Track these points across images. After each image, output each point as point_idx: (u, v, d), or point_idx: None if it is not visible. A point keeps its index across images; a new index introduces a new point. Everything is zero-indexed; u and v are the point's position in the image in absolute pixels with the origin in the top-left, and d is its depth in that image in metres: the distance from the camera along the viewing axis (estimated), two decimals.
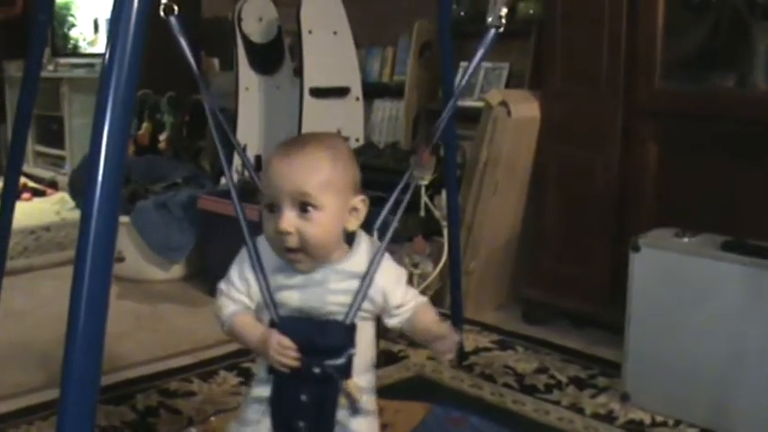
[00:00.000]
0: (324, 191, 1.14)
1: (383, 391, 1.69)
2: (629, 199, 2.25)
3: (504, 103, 2.37)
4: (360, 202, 1.19)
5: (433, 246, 2.46)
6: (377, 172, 2.37)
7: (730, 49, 2.14)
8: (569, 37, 2.29)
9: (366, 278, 1.19)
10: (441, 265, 2.42)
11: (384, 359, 2.22)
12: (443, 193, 2.33)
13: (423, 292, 1.54)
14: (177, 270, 2.87)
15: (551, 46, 2.36)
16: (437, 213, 2.44)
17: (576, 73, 2.31)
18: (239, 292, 1.20)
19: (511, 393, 2.03)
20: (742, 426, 1.74)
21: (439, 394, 2.01)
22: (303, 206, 1.13)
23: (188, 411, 1.93)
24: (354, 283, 1.19)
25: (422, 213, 2.53)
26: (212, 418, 1.87)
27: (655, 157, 2.19)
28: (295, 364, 1.16)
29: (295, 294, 1.19)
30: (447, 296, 2.37)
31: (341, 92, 3.18)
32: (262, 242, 1.20)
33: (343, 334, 1.19)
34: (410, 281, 2.36)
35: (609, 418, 1.89)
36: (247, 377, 2.13)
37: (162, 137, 3.29)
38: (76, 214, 3.80)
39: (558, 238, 2.40)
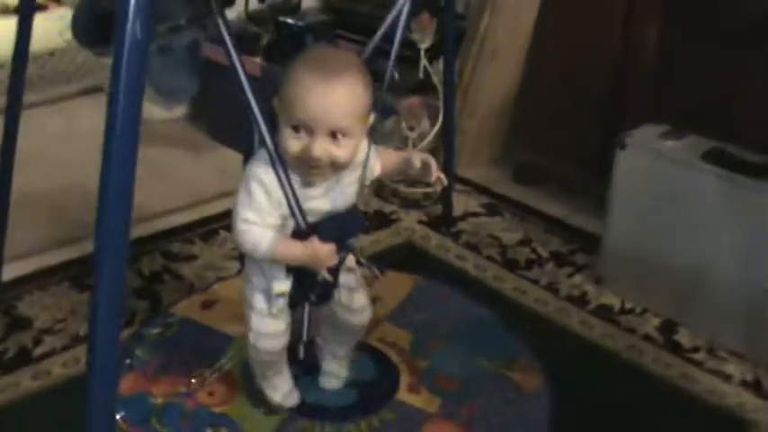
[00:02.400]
0: (356, 121, 1.24)
1: (375, 258, 1.82)
2: (627, 74, 2.27)
3: None
4: (370, 119, 1.29)
5: (431, 109, 2.50)
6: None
7: None
8: None
9: (364, 168, 1.34)
10: (437, 126, 2.48)
11: (377, 222, 2.34)
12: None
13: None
14: (179, 109, 2.93)
15: None
16: (435, 78, 2.47)
17: None
18: (271, 216, 1.27)
19: (493, 268, 2.16)
20: (702, 321, 1.88)
21: (426, 264, 2.14)
22: (335, 134, 1.21)
23: (190, 277, 2.06)
24: (358, 170, 1.33)
25: (420, 75, 2.56)
26: (215, 286, 2.01)
27: (655, 39, 2.19)
28: (336, 261, 1.30)
29: (324, 201, 1.30)
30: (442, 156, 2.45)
31: None
32: (265, 156, 1.27)
33: (357, 216, 1.35)
34: (405, 142, 2.46)
35: (581, 301, 2.02)
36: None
37: None
38: None
39: (554, 106, 2.44)
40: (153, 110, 2.83)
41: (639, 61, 2.22)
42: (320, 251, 1.26)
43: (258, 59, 2.69)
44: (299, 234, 1.28)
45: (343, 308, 1.46)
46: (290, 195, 1.25)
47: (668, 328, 1.93)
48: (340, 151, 1.21)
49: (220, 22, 1.27)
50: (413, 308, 1.92)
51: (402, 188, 2.50)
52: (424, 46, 2.50)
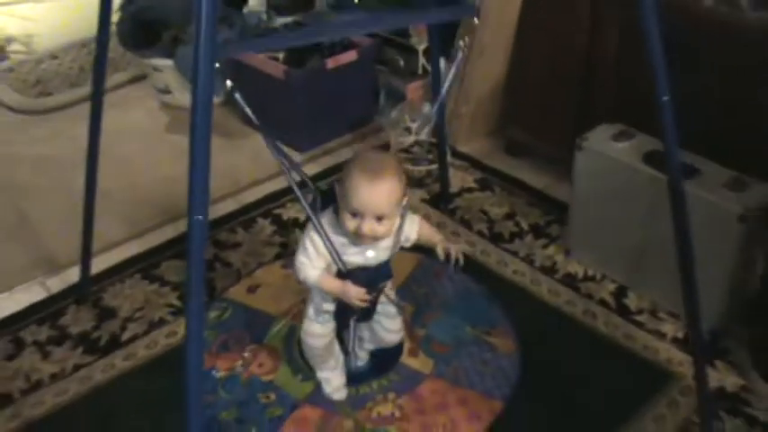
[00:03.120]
0: (393, 208, 1.70)
1: None
2: (596, 67, 2.67)
3: None
4: (404, 201, 1.74)
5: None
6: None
7: None
8: None
9: (398, 235, 1.80)
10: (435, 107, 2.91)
11: None
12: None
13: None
14: (215, 98, 3.40)
15: None
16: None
17: None
18: (318, 262, 1.75)
19: (481, 243, 2.62)
20: (647, 287, 2.34)
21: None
22: (379, 218, 1.69)
23: (237, 264, 2.56)
24: (391, 240, 1.79)
25: (419, 71, 3.00)
26: (257, 271, 2.52)
27: (617, 39, 2.58)
28: (366, 303, 1.79)
29: (357, 257, 1.77)
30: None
31: None
32: (326, 218, 1.76)
33: (387, 268, 1.82)
34: (408, 130, 2.91)
35: (552, 270, 2.50)
36: (279, 224, 2.73)
37: None
38: None
39: (537, 90, 2.85)
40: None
41: (603, 58, 2.61)
42: (350, 291, 1.75)
43: (280, 57, 3.11)
44: (340, 275, 1.76)
45: (382, 328, 1.98)
46: (334, 254, 1.73)
47: (620, 293, 2.40)
48: (382, 229, 1.69)
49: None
50: (415, 283, 2.40)
51: (408, 166, 2.96)
52: (421, 47, 2.93)
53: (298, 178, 1.74)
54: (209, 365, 2.09)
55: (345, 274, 1.76)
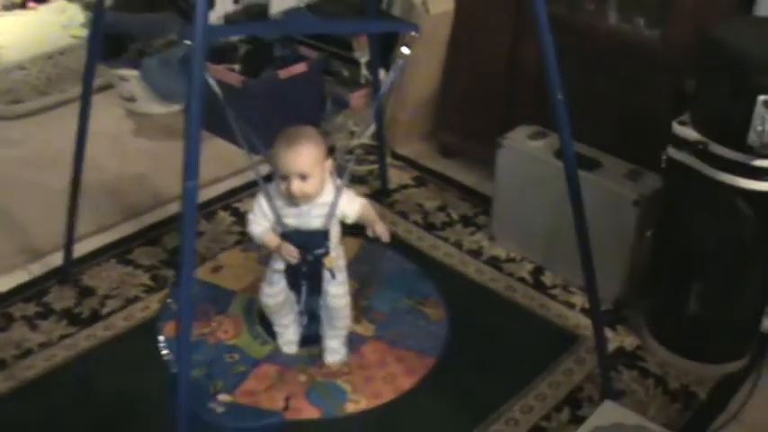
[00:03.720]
0: (314, 167, 2.02)
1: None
2: (516, 77, 3.04)
3: (424, 3, 3.14)
4: (328, 164, 2.08)
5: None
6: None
7: None
8: None
9: (332, 209, 2.10)
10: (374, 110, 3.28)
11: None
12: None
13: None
14: (176, 106, 3.73)
15: None
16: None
17: None
18: (264, 220, 2.09)
19: (416, 230, 2.99)
20: (560, 266, 2.71)
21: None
22: (303, 177, 2.02)
23: (202, 250, 2.88)
24: (325, 209, 2.10)
25: (362, 81, 3.37)
26: (219, 255, 2.84)
27: (534, 53, 2.96)
28: (297, 260, 2.11)
29: (292, 220, 2.09)
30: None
31: None
32: (272, 187, 2.08)
33: (320, 237, 2.12)
34: (351, 133, 3.27)
35: (478, 253, 2.87)
36: (237, 216, 3.07)
37: None
38: (85, 32, 4.50)
39: (466, 99, 3.22)
40: (156, 107, 3.65)
41: (522, 67, 3.00)
42: (283, 248, 2.09)
43: (236, 68, 3.45)
44: (281, 236, 2.10)
45: (326, 293, 2.25)
46: (274, 215, 2.08)
47: (537, 272, 2.78)
48: (308, 187, 2.02)
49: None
50: (359, 262, 2.74)
51: (351, 166, 3.32)
52: (363, 60, 3.30)
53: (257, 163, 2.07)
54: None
55: (284, 234, 2.09)
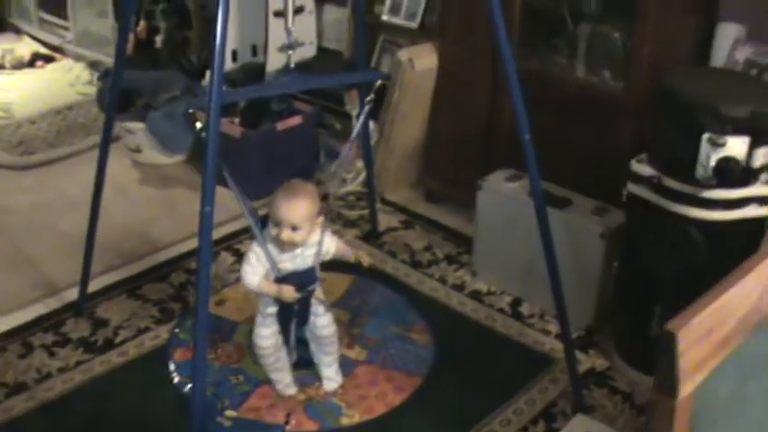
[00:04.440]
0: (305, 221, 2.24)
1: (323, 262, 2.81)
2: (495, 127, 3.32)
3: (410, 60, 3.43)
4: (319, 220, 2.30)
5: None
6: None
7: (564, 41, 3.16)
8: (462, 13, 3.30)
9: (320, 247, 2.34)
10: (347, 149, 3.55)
11: None
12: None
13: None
14: (180, 157, 3.99)
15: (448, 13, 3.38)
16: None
17: (463, 38, 3.31)
18: (261, 268, 2.29)
19: (404, 267, 3.24)
20: (537, 297, 2.95)
21: (360, 267, 3.14)
22: (294, 228, 2.26)
23: None
24: (314, 249, 2.33)
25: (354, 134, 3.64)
26: (222, 290, 3.08)
27: (510, 108, 3.24)
28: (296, 299, 2.32)
29: (289, 264, 2.31)
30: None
31: (298, 10, 4.13)
32: (266, 235, 2.31)
33: (313, 274, 2.35)
34: (344, 181, 3.52)
35: (461, 287, 3.11)
36: (238, 256, 3.30)
37: (158, 38, 4.28)
38: (91, 89, 4.79)
39: (449, 149, 3.51)
40: (160, 158, 3.91)
41: (500, 121, 3.28)
42: (283, 291, 2.30)
43: (236, 121, 3.72)
44: (277, 280, 2.33)
45: (314, 326, 2.47)
46: (270, 262, 2.29)
47: (516, 303, 3.02)
48: (297, 237, 2.25)
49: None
50: (350, 296, 2.98)
51: (343, 211, 3.58)
52: (354, 113, 3.58)
53: (250, 213, 2.31)
54: (187, 358, 2.64)
55: (281, 278, 2.30)
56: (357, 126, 2.57)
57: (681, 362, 0.88)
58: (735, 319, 0.97)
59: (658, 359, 0.91)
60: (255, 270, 2.28)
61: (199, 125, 1.91)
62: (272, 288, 2.30)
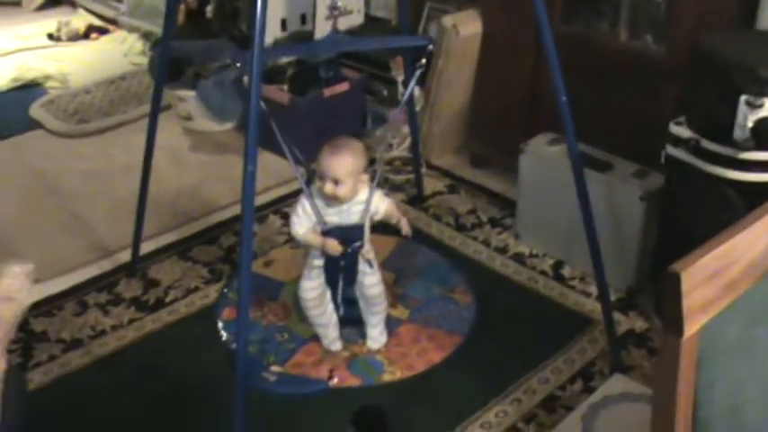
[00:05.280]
0: (347, 176, 2.30)
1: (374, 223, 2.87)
2: (538, 92, 3.35)
3: (454, 26, 3.46)
4: (364, 177, 2.36)
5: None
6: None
7: (607, 5, 3.16)
8: None
9: (367, 205, 2.40)
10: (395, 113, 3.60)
11: None
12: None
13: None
14: (230, 124, 4.08)
15: None
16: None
17: (507, 4, 3.34)
18: (307, 220, 2.37)
19: (448, 230, 3.29)
20: (578, 259, 2.98)
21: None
22: (336, 182, 2.32)
23: (254, 248, 3.20)
24: (362, 206, 2.39)
25: (400, 98, 3.70)
26: (270, 252, 3.17)
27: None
28: (339, 252, 2.38)
29: (335, 218, 2.38)
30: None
31: None
32: (314, 189, 2.38)
33: (359, 231, 2.41)
34: (390, 146, 3.59)
35: (504, 250, 3.16)
36: (286, 219, 3.38)
37: (209, 8, 4.37)
38: (144, 59, 4.91)
39: (493, 114, 3.55)
40: (211, 125, 4.00)
41: (543, 86, 3.30)
42: (328, 243, 2.36)
43: (285, 88, 3.79)
44: (323, 233, 2.41)
45: (362, 285, 2.53)
46: (316, 214, 2.36)
47: (558, 266, 3.06)
48: (339, 191, 2.32)
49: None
50: (395, 257, 3.04)
51: (390, 176, 3.64)
52: (400, 79, 3.63)
53: (296, 167, 2.37)
54: (235, 317, 2.73)
55: (326, 231, 2.36)
56: (407, 91, 2.59)
57: (685, 301, 0.92)
58: (743, 263, 1.00)
59: (665, 298, 0.96)
60: (302, 221, 2.36)
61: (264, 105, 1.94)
62: (317, 239, 2.37)
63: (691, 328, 0.95)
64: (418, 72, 2.44)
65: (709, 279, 0.96)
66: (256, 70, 1.86)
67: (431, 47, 2.46)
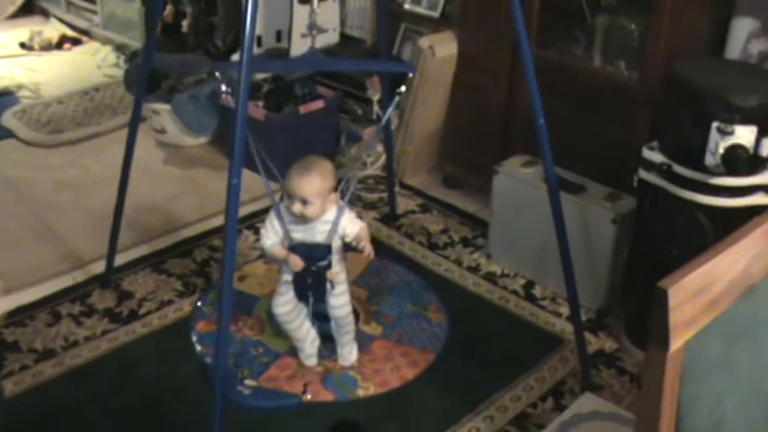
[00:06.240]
0: (315, 196, 2.33)
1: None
2: (512, 115, 3.41)
3: (430, 47, 3.51)
4: (333, 196, 2.39)
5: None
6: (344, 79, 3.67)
7: (582, 31, 3.24)
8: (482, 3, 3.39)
9: (334, 225, 2.42)
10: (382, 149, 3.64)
11: None
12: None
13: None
14: (204, 138, 4.09)
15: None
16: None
17: (483, 27, 3.39)
18: (274, 234, 2.41)
19: (421, 249, 3.33)
20: (549, 280, 3.04)
21: (378, 247, 3.22)
22: (304, 202, 2.36)
23: None
24: (328, 226, 2.41)
25: (374, 117, 3.74)
26: (244, 266, 3.18)
27: (527, 95, 3.33)
28: (300, 268, 2.40)
29: (299, 234, 2.42)
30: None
31: None
32: (282, 206, 2.42)
33: (324, 250, 2.42)
34: (364, 164, 3.62)
35: (476, 269, 3.20)
36: (258, 234, 3.39)
37: (185, 23, 4.38)
38: (117, 71, 4.91)
39: (467, 135, 3.59)
40: (185, 138, 4.01)
41: (518, 108, 3.36)
42: (290, 258, 2.39)
43: (260, 104, 3.81)
44: (289, 248, 2.41)
45: (327, 304, 2.53)
46: (282, 229, 2.39)
47: (529, 285, 3.10)
48: (306, 210, 2.34)
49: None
50: (368, 275, 3.07)
51: (363, 194, 3.67)
52: (375, 98, 3.67)
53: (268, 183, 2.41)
54: (209, 329, 2.74)
55: (291, 246, 2.40)
56: (385, 117, 2.66)
57: (672, 317, 0.96)
58: (724, 282, 1.04)
59: (653, 314, 0.99)
60: (269, 235, 2.40)
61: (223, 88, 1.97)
62: (281, 253, 2.40)
63: (676, 342, 0.99)
64: (397, 98, 2.47)
65: (693, 296, 1.00)
66: (244, 82, 1.88)
67: (411, 75, 2.47)
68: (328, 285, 2.47)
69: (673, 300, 0.97)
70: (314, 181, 2.32)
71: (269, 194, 2.42)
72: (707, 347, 1.05)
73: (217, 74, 2.40)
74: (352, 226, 2.43)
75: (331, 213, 2.39)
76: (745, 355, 1.11)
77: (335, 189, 2.42)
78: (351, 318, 2.58)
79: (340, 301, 2.53)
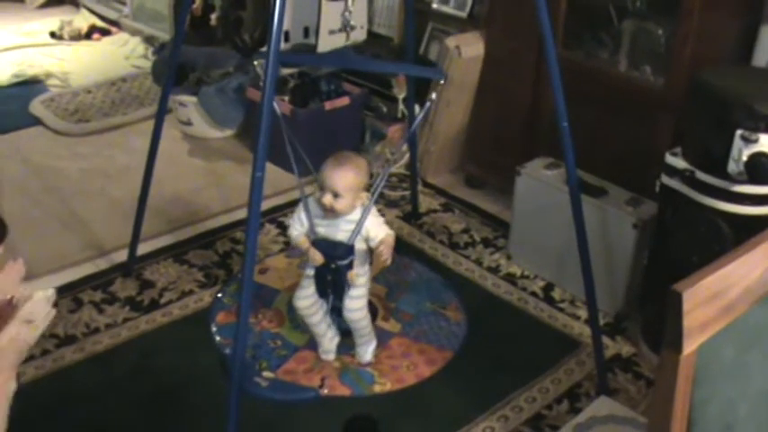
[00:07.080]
0: (347, 191, 2.34)
1: None
2: (536, 116, 3.41)
3: (457, 47, 3.52)
4: (363, 195, 2.40)
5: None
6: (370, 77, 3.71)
7: (608, 35, 3.24)
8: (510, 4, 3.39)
9: (357, 225, 2.42)
10: (404, 141, 3.65)
11: None
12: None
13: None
14: (229, 132, 4.12)
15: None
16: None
17: (510, 28, 3.40)
18: (300, 225, 2.43)
19: (442, 248, 3.34)
20: (569, 283, 3.04)
21: (399, 245, 3.20)
22: (335, 194, 2.37)
23: None
24: (352, 226, 2.42)
25: (399, 115, 3.75)
26: (266, 260, 3.20)
27: (552, 97, 3.33)
28: (318, 263, 2.42)
29: (323, 229, 2.43)
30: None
31: None
32: (311, 200, 2.43)
33: (344, 249, 2.44)
34: (386, 162, 3.63)
35: (496, 270, 3.21)
36: (282, 228, 3.43)
37: (213, 16, 4.41)
38: (145, 63, 4.95)
39: (490, 136, 3.60)
40: (210, 131, 4.04)
41: (542, 110, 3.36)
42: (310, 252, 2.41)
43: (286, 98, 3.84)
44: (312, 242, 2.42)
45: (344, 305, 2.54)
46: (308, 221, 2.41)
47: (548, 288, 3.11)
48: (336, 204, 2.36)
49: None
50: (388, 272, 3.07)
51: (386, 191, 3.69)
52: (401, 96, 3.68)
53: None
54: (228, 321, 2.77)
55: (313, 240, 2.41)
56: (415, 123, 2.75)
57: (686, 320, 0.97)
58: (739, 288, 1.05)
59: (668, 318, 1.00)
60: (296, 225, 2.43)
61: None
62: (304, 244, 2.43)
63: (689, 346, 1.00)
64: (428, 104, 2.47)
65: (708, 300, 1.01)
66: (271, 76, 1.90)
67: (442, 81, 2.47)
68: (350, 288, 2.47)
69: (687, 303, 0.98)
70: (348, 175, 2.34)
71: (299, 190, 2.42)
72: (720, 352, 1.05)
73: (255, 63, 2.41)
74: (377, 231, 2.41)
75: (356, 213, 2.40)
76: (759, 361, 1.12)
77: (367, 189, 2.41)
78: (364, 323, 2.58)
79: (355, 304, 2.53)
